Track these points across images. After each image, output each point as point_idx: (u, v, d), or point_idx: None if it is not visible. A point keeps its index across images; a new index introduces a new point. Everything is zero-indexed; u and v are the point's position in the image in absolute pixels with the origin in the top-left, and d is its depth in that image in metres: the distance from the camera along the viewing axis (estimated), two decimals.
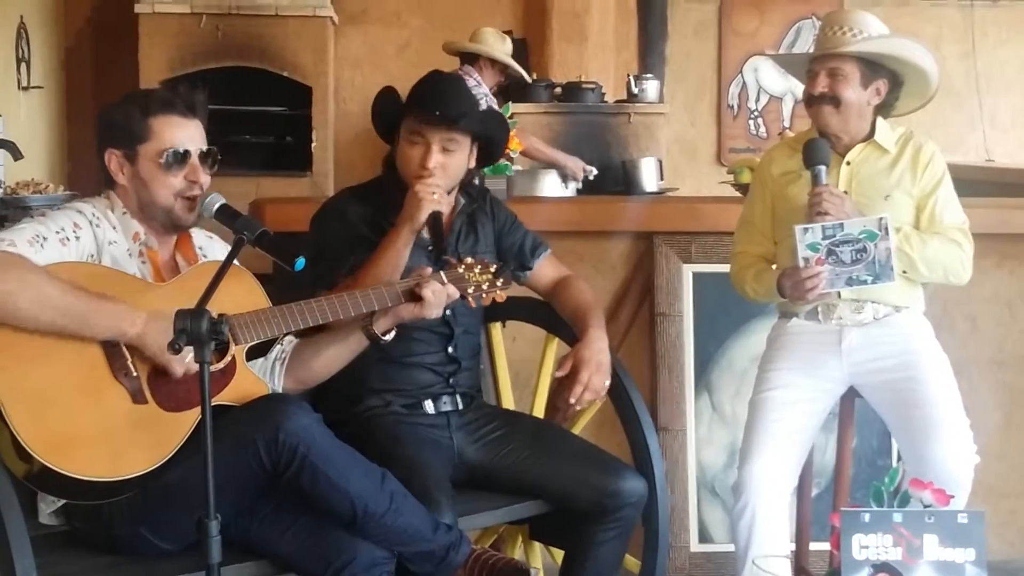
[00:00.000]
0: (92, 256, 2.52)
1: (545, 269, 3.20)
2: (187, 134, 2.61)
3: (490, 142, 3.05)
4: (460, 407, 3.05)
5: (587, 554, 2.92)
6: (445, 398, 3.03)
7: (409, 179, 2.94)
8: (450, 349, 3.03)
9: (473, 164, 3.05)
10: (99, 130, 2.65)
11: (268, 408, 2.51)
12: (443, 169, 2.93)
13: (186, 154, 2.59)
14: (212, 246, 2.78)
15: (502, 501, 2.94)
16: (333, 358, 2.79)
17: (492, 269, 2.83)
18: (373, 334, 2.75)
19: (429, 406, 3.00)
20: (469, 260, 2.83)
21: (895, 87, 3.18)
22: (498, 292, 2.82)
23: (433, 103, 2.93)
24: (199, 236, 2.76)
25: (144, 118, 2.58)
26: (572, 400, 2.92)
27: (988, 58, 8.27)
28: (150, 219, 2.62)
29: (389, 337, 2.77)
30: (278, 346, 2.78)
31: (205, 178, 2.62)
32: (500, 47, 5.95)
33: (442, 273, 2.76)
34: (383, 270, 2.85)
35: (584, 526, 2.90)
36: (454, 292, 2.75)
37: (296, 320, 2.59)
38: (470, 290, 2.79)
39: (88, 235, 2.52)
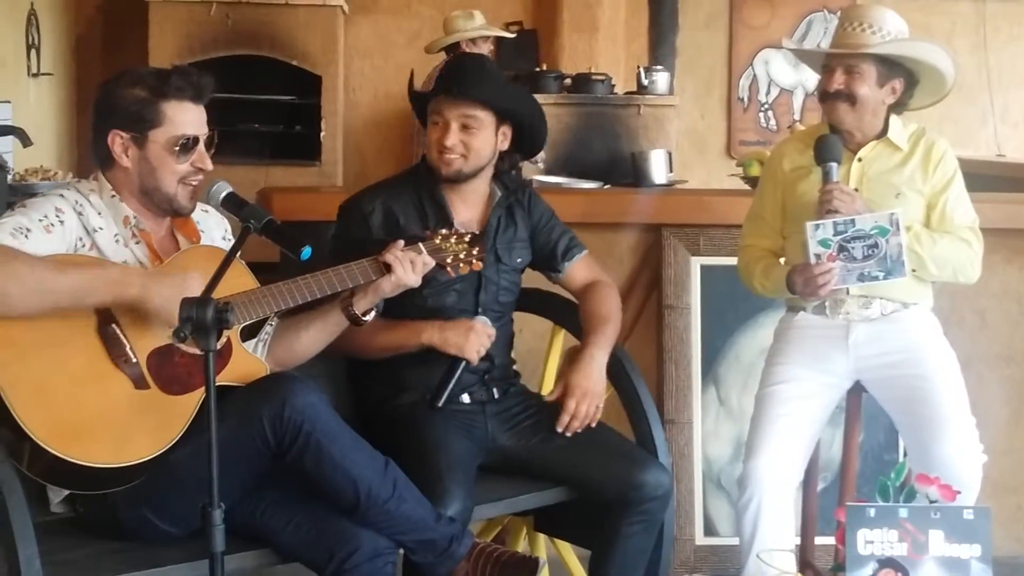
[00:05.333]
0: (80, 240, 2.49)
1: (576, 272, 3.15)
2: (196, 119, 2.58)
3: (520, 123, 3.02)
4: (496, 396, 3.04)
5: (615, 548, 2.89)
6: (480, 390, 3.03)
7: (431, 161, 2.97)
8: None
9: (505, 147, 3.03)
10: (101, 109, 2.58)
11: (274, 385, 2.50)
12: (465, 147, 2.93)
13: (196, 140, 2.57)
14: (207, 220, 2.74)
15: (523, 488, 2.92)
16: (313, 339, 2.78)
17: (467, 239, 2.84)
18: (353, 315, 2.74)
19: (465, 397, 3.00)
20: (444, 231, 2.84)
21: (910, 86, 3.16)
22: (475, 261, 2.83)
23: (449, 81, 2.95)
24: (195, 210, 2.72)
25: (156, 102, 2.53)
26: (559, 429, 2.93)
27: (1000, 53, 8.23)
28: (148, 202, 2.58)
29: (369, 318, 2.77)
30: (267, 326, 2.76)
31: (209, 164, 2.60)
32: (468, 25, 5.91)
33: (420, 244, 2.77)
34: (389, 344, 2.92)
35: (608, 519, 2.88)
36: (430, 261, 2.74)
37: (286, 298, 2.58)
38: (448, 259, 2.80)
39: (72, 219, 2.48)
